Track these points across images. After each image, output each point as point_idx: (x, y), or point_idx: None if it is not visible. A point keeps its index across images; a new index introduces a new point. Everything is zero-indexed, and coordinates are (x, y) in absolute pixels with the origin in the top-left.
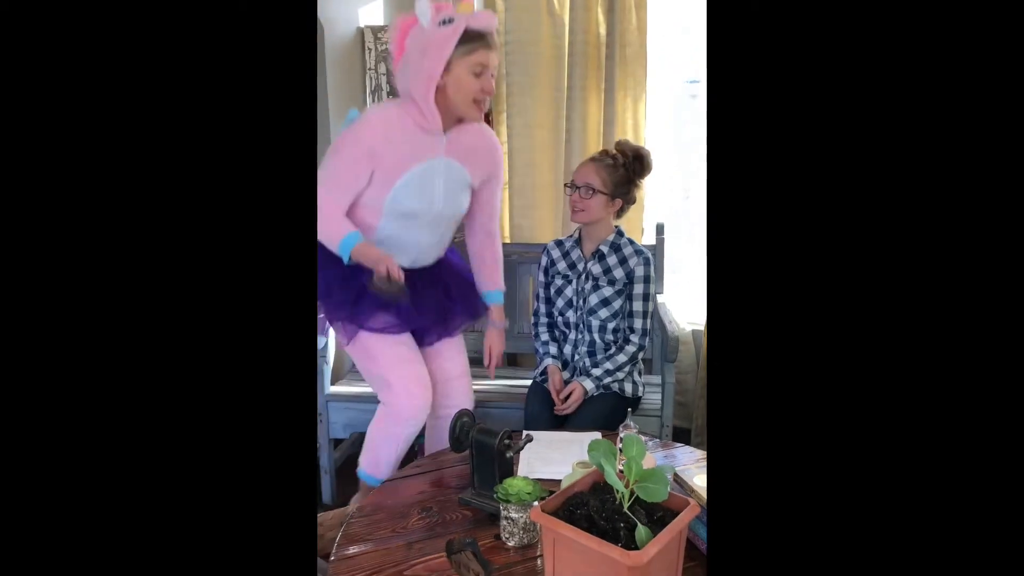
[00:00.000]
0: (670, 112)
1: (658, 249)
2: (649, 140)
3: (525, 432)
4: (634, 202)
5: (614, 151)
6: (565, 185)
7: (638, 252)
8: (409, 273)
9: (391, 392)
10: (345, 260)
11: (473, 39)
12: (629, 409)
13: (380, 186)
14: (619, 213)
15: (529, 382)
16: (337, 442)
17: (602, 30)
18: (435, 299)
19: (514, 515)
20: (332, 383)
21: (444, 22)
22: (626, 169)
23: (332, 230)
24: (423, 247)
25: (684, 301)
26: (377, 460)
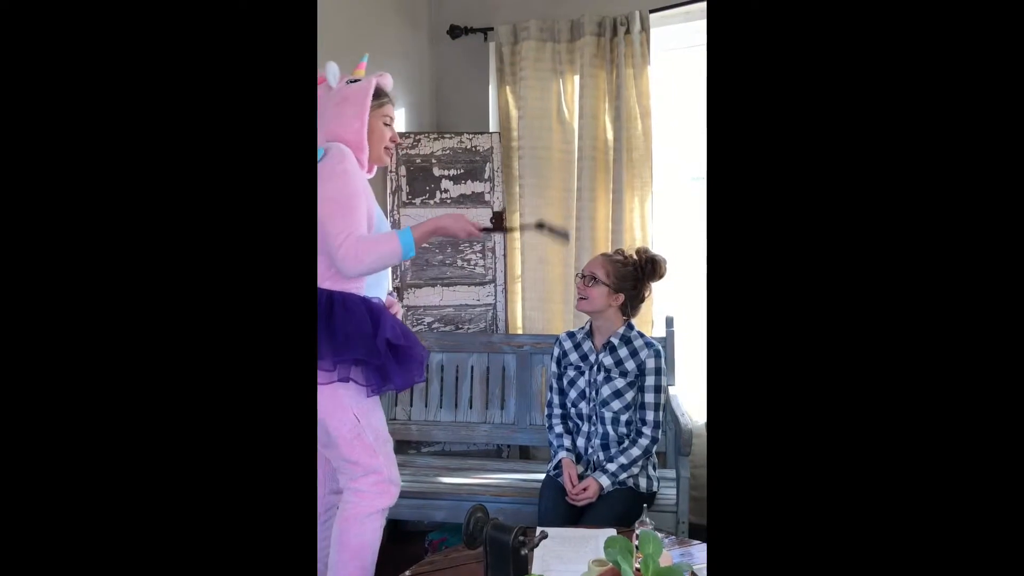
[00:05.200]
0: (677, 209)
1: (668, 342)
2: (656, 236)
3: (540, 528)
4: (643, 300)
5: (629, 252)
6: (576, 275)
7: (648, 344)
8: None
9: (377, 462)
10: (412, 253)
11: (380, 95)
12: (645, 505)
13: (368, 223)
14: (626, 309)
15: (542, 476)
16: None
17: (609, 136)
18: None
19: None
20: None
21: (351, 81)
22: (635, 268)
23: (381, 243)
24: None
25: (697, 394)
26: (365, 568)
